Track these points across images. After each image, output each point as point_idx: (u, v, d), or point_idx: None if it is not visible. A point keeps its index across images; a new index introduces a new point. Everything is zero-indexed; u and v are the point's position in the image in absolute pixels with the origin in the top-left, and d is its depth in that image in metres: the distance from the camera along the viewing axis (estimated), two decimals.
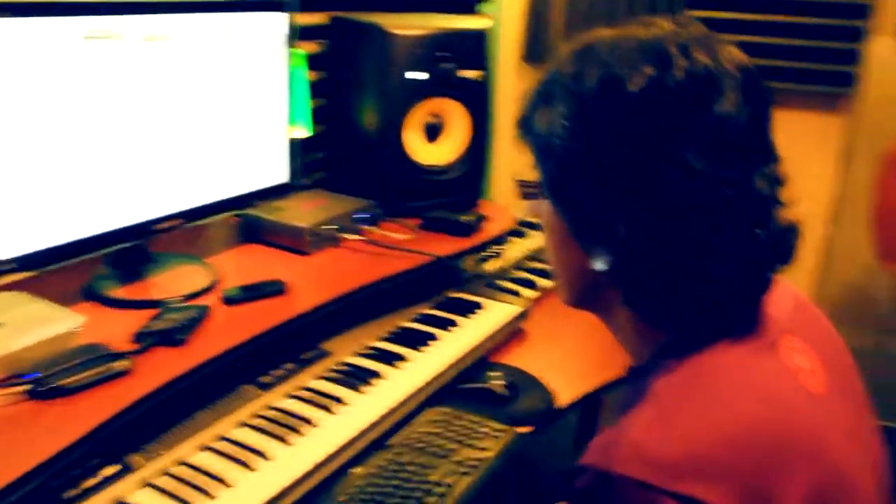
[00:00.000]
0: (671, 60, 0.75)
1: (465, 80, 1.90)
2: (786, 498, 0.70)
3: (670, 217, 0.75)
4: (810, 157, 2.68)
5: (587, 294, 0.90)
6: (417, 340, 1.50)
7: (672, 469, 0.69)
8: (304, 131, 1.88)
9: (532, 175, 0.87)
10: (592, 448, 0.74)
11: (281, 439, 1.19)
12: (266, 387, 1.32)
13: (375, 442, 1.26)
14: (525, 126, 0.86)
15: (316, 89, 1.94)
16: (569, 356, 1.61)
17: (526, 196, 0.91)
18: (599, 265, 0.82)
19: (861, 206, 2.52)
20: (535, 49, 2.89)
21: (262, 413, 1.25)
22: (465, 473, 1.19)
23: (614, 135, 0.76)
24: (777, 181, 0.79)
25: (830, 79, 2.66)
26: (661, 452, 0.70)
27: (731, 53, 0.78)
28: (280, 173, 1.73)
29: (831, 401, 0.82)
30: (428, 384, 1.39)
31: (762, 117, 0.78)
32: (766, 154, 0.79)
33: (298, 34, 1.74)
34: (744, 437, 0.72)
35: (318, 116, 1.94)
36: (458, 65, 1.88)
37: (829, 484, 0.74)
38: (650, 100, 0.74)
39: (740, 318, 0.81)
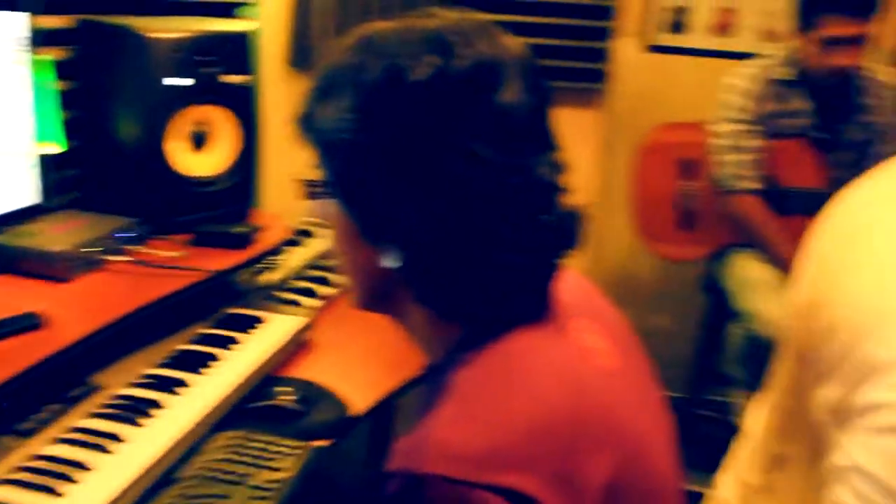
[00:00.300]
0: (454, 50, 0.75)
1: (229, 85, 1.81)
2: (593, 476, 0.72)
3: (458, 207, 0.75)
4: (572, 150, 2.84)
5: (379, 294, 0.88)
6: (198, 363, 1.41)
7: (480, 462, 0.69)
8: (54, 147, 1.71)
9: (315, 174, 0.84)
10: (398, 452, 0.73)
11: (51, 491, 1.06)
12: (27, 434, 1.18)
13: (162, 478, 1.16)
14: (306, 123, 0.83)
15: (67, 100, 1.77)
16: (360, 363, 1.59)
17: (311, 196, 0.87)
18: (390, 262, 0.80)
19: (622, 193, 2.71)
20: (300, 53, 2.84)
21: (26, 464, 1.11)
22: (263, 498, 1.13)
23: (399, 126, 0.75)
24: (558, 168, 0.81)
25: (583, 76, 2.83)
26: (467, 446, 0.70)
27: (511, 43, 0.79)
28: (28, 194, 1.56)
29: (624, 376, 0.86)
30: (214, 408, 1.31)
31: (542, 106, 0.80)
32: (547, 141, 0.81)
33: (42, 39, 1.58)
34: (547, 421, 0.73)
35: (70, 130, 1.78)
36: (222, 70, 1.79)
37: (629, 456, 0.77)
38: (434, 89, 0.74)
39: (532, 304, 0.82)
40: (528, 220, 0.78)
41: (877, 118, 2.39)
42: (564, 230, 0.82)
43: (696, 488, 1.17)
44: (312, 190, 0.86)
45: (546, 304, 0.83)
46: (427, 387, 0.84)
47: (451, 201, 0.75)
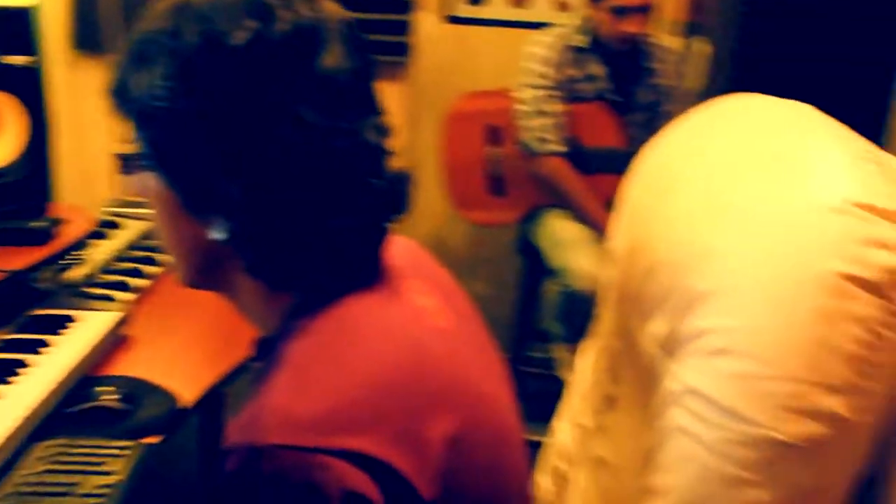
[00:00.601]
0: (274, 13, 0.73)
1: (12, 67, 1.67)
2: (435, 433, 0.73)
3: (285, 173, 0.74)
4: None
5: (207, 269, 0.84)
6: (4, 371, 1.29)
7: (321, 426, 0.68)
8: None
9: (131, 147, 0.79)
10: (234, 428, 0.71)
11: None
12: None
13: None
14: (119, 94, 0.78)
15: None
16: (184, 353, 1.52)
17: (127, 171, 0.82)
18: (216, 234, 0.77)
19: (431, 163, 2.74)
20: (86, 34, 2.65)
21: None
22: None
23: (221, 92, 0.73)
24: (384, 132, 0.81)
25: (386, 49, 2.83)
26: (306, 412, 0.69)
27: (332, 8, 0.78)
28: None
29: (459, 334, 0.88)
30: (27, 418, 1.20)
31: (365, 70, 0.80)
32: (372, 105, 0.81)
33: None
34: (385, 382, 0.73)
35: None
36: (1, 50, 1.64)
37: (470, 411, 0.79)
38: (255, 54, 0.72)
39: (364, 269, 0.82)
40: (358, 184, 0.78)
41: (663, 81, 2.57)
42: (394, 193, 0.83)
43: (534, 438, 1.22)
44: (129, 164, 0.81)
45: (378, 267, 0.83)
46: (262, 361, 0.82)
47: (278, 167, 0.74)
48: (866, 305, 0.79)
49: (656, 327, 0.93)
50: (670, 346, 0.90)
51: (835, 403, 0.79)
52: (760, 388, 0.81)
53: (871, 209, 0.81)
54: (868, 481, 0.88)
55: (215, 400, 1.88)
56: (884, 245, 0.80)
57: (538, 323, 2.72)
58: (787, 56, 3.07)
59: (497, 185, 2.64)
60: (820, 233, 0.81)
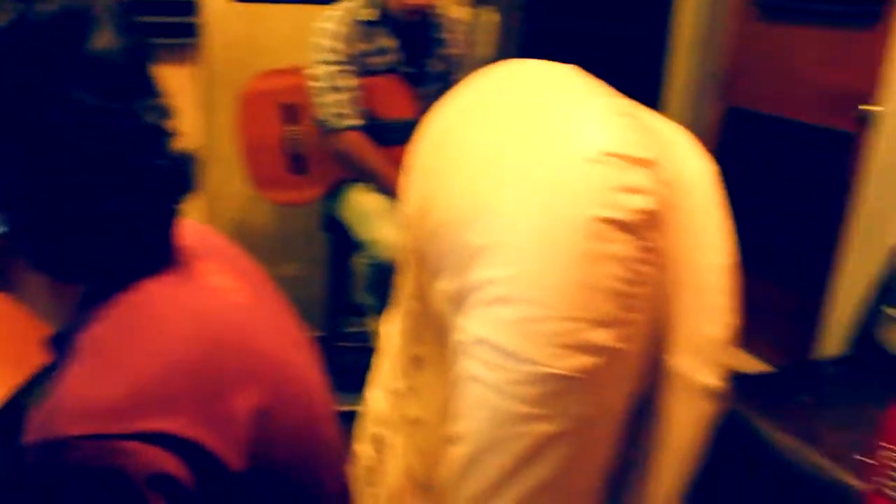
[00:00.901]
0: None
1: None
2: (240, 407, 0.74)
3: (60, 158, 0.72)
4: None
5: None
6: None
7: (120, 412, 0.68)
8: None
9: None
10: (31, 426, 0.69)
11: None
12: None
13: None
14: None
15: None
16: None
17: None
18: None
19: (229, 146, 2.68)
20: None
21: None
22: None
23: None
24: (164, 113, 0.80)
25: (174, 31, 2.73)
26: (104, 399, 0.68)
27: None
28: None
29: (259, 309, 0.89)
30: None
31: (139, 51, 0.78)
32: (148, 86, 0.79)
33: None
34: (183, 361, 0.73)
35: None
36: None
37: (275, 383, 0.80)
38: (18, 36, 0.70)
39: (154, 253, 0.81)
40: (138, 166, 0.76)
41: (453, 51, 2.63)
42: (179, 173, 0.82)
43: (349, 408, 1.25)
44: None
45: (170, 251, 0.82)
46: (56, 358, 0.80)
47: (51, 153, 0.72)
48: (624, 245, 0.87)
49: (444, 284, 0.98)
50: (457, 300, 0.95)
51: (604, 336, 0.87)
52: (537, 329, 0.87)
53: (625, 158, 0.89)
54: (642, 404, 0.97)
55: (14, 412, 1.78)
56: (637, 190, 0.88)
57: (351, 297, 2.75)
58: (573, 23, 3.24)
59: (297, 163, 2.63)
60: (580, 182, 0.88)
